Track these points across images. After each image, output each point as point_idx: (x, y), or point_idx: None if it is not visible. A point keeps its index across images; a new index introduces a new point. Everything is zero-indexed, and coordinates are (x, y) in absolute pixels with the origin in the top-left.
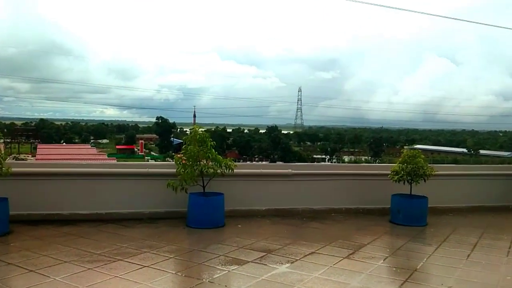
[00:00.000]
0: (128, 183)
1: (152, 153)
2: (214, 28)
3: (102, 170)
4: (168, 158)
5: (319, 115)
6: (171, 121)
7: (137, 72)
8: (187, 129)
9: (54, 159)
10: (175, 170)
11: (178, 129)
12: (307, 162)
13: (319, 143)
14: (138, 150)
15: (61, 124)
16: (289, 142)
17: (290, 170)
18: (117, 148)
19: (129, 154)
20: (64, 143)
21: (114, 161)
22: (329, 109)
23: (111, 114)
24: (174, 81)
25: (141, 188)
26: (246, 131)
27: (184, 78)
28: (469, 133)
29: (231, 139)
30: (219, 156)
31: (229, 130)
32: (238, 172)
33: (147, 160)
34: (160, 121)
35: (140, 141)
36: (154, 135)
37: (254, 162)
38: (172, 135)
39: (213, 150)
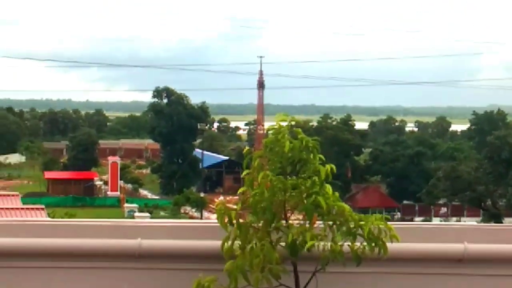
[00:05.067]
0: (85, 278)
1: (144, 192)
2: None
3: (19, 244)
4: (187, 208)
5: None
6: (194, 101)
7: None
8: (242, 125)
9: None
10: (218, 242)
11: (216, 125)
12: None
13: None
14: (105, 183)
15: None
16: None
17: None
18: (48, 180)
19: (81, 199)
20: None
21: (43, 217)
22: None
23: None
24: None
25: None
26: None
27: None
28: None
29: (369, 150)
30: (344, 203)
31: (361, 123)
32: (399, 251)
33: (131, 214)
34: (164, 101)
35: (111, 159)
36: (149, 143)
37: (436, 224)
38: (200, 141)
39: (329, 186)
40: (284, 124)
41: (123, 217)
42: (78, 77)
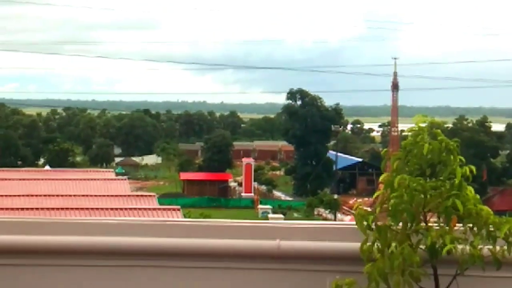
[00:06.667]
0: (223, 278)
1: (278, 194)
2: None
3: (155, 244)
4: (320, 210)
5: None
6: (328, 102)
7: None
8: (376, 127)
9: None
10: (354, 244)
11: (350, 126)
12: None
13: None
14: (239, 185)
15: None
16: None
17: None
18: (183, 181)
19: (216, 199)
20: (47, 167)
21: (179, 217)
22: None
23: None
24: None
25: None
26: None
27: None
28: None
29: (506, 152)
30: (483, 206)
31: (498, 125)
32: None
33: (265, 215)
34: (298, 102)
35: (245, 161)
36: (283, 144)
37: None
38: (334, 143)
39: (471, 188)
40: (423, 125)
41: (257, 218)
42: (214, 79)
